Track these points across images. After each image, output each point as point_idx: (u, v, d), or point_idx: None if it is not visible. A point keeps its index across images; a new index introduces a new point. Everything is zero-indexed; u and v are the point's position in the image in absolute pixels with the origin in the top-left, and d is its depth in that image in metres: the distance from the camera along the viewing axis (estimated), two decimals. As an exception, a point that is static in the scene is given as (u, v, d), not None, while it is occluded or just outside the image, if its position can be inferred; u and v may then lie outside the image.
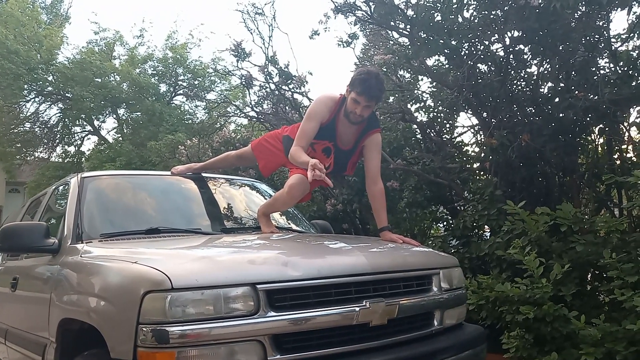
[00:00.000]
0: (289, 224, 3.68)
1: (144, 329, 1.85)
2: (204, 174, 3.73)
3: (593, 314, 3.52)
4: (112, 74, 16.23)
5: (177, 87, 17.81)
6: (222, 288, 1.91)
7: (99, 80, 15.70)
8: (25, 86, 15.75)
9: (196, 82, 17.45)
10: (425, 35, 4.99)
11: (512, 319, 3.52)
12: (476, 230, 5.06)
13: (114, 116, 17.73)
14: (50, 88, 16.33)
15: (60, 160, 17.75)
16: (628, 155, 4.75)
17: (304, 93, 6.45)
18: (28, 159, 17.69)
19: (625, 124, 4.63)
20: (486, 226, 4.87)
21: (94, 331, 2.11)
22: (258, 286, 1.96)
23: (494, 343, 3.49)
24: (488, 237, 4.77)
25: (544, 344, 3.44)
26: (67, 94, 16.14)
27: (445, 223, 6.40)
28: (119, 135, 17.72)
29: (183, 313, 1.84)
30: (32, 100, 16.67)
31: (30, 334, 2.95)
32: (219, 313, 1.88)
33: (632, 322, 3.09)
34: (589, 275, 4.04)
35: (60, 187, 3.65)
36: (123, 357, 1.91)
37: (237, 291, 1.93)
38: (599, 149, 5.02)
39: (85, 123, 17.75)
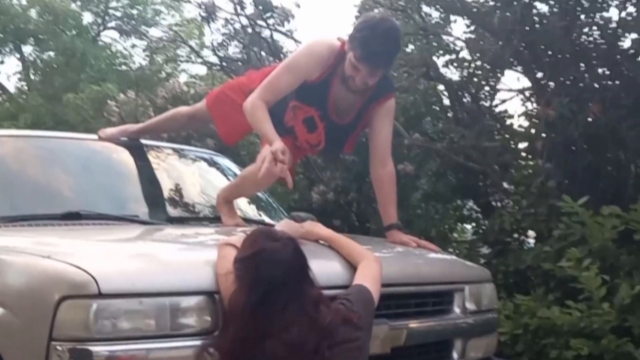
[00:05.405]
0: (260, 215, 3.73)
1: (58, 347, 1.88)
2: (143, 141, 3.75)
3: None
4: (15, -5, 16.03)
5: (106, 18, 17.63)
6: (168, 296, 1.96)
7: (-4, 3, 15.50)
8: None
9: (134, 12, 17.27)
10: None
11: (558, 355, 3.61)
12: (517, 235, 5.13)
13: (17, 56, 17.53)
14: None
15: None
16: None
17: (288, 33, 6.44)
18: None
19: None
20: (531, 230, 4.95)
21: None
22: (217, 296, 2.02)
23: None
24: (533, 245, 4.86)
25: (600, 390, 3.55)
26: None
27: (474, 224, 6.47)
28: (24, 82, 17.56)
29: (113, 328, 1.87)
30: None
31: None
32: (163, 330, 1.93)
33: None
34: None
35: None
36: (29, 385, 1.96)
37: (188, 301, 1.99)
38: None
39: (-25, 63, 17.57)
